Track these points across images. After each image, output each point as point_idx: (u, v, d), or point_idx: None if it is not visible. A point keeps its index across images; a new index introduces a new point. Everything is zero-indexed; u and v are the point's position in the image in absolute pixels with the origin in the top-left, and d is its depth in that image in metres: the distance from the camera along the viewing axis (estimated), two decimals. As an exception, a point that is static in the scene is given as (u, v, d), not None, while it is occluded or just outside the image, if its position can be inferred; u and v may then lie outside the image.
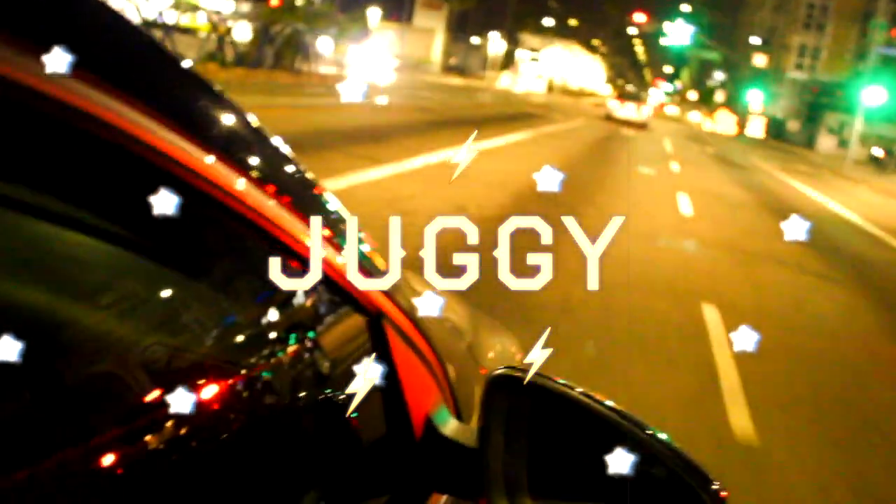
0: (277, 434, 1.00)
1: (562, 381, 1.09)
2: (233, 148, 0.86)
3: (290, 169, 1.02)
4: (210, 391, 0.84)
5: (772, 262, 9.42)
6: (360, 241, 1.11)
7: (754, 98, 68.19)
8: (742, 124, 65.14)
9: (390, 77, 34.55)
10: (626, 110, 42.98)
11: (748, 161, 30.97)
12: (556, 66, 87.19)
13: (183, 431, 0.78)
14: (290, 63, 24.80)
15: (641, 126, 40.60)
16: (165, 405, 0.74)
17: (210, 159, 0.80)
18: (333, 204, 1.10)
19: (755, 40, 73.51)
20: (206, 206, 0.82)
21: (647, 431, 1.03)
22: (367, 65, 34.85)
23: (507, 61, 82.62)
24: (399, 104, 23.02)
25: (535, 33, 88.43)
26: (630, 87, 66.90)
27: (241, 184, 0.84)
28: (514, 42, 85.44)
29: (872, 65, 46.62)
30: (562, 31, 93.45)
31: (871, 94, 41.87)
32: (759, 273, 8.78)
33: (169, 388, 0.75)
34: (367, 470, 1.16)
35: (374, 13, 63.47)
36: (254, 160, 0.90)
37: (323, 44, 30.75)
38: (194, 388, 0.78)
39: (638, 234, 9.01)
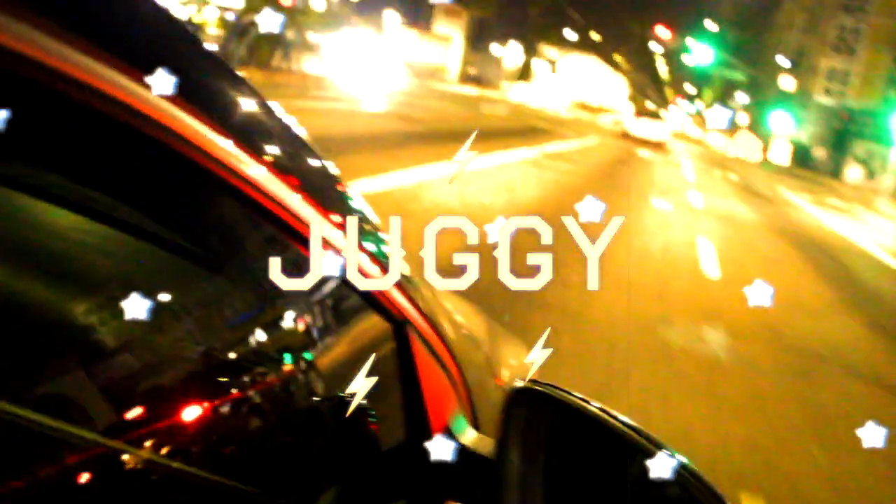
0: (296, 434, 1.00)
1: (580, 396, 1.11)
2: (254, 137, 0.86)
3: (314, 164, 1.02)
4: (226, 390, 0.85)
5: (838, 369, 6.57)
6: (382, 241, 1.12)
7: (779, 122, 65.10)
8: (766, 149, 62.15)
9: (394, 82, 32.75)
10: (643, 129, 40.45)
11: (775, 192, 28.10)
12: (575, 79, 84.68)
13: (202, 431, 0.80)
14: (265, 60, 22.23)
15: (658, 146, 38.40)
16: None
17: (229, 144, 0.80)
18: (358, 203, 1.10)
19: (782, 61, 70.40)
20: (224, 195, 0.82)
21: (666, 451, 1.03)
22: (363, 67, 32.78)
23: (525, 72, 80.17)
24: (389, 111, 20.55)
25: (555, 45, 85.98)
26: (649, 105, 64.32)
27: (261, 173, 0.84)
28: (532, 53, 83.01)
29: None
30: (584, 45, 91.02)
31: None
32: (824, 402, 5.76)
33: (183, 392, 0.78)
34: (385, 474, 1.18)
35: (391, 17, 62.25)
36: (275, 150, 0.90)
37: (325, 42, 29.69)
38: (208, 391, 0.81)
39: (641, 317, 6.24)
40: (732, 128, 78.13)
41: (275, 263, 0.91)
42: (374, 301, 1.12)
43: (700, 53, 69.10)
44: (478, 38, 78.02)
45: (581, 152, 23.99)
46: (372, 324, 1.16)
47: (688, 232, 12.14)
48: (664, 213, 14.24)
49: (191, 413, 0.78)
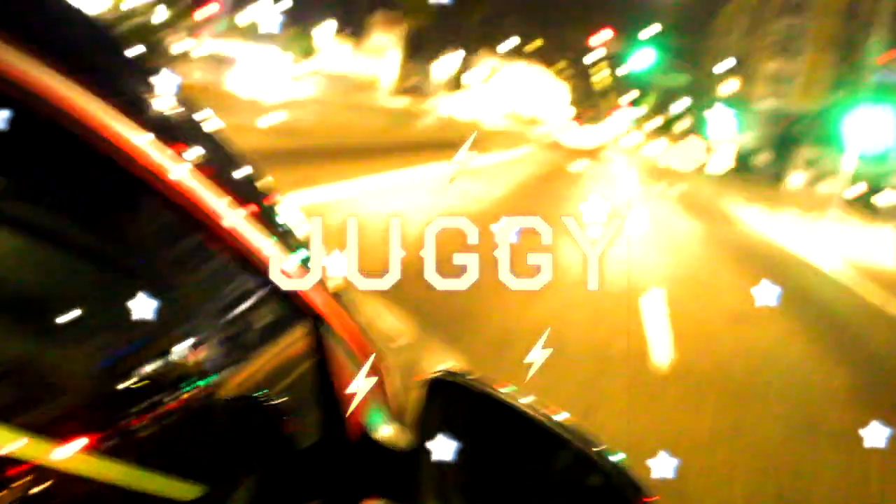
0: (209, 433, 0.99)
1: (501, 388, 1.11)
2: (172, 133, 0.86)
3: (229, 161, 1.01)
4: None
5: None
6: (303, 242, 1.13)
7: (721, 126, 63.14)
8: (707, 156, 60.05)
9: (306, 95, 30.16)
10: (575, 137, 39.27)
11: (724, 206, 25.39)
12: (513, 90, 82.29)
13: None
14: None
15: (592, 154, 36.92)
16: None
17: (147, 139, 0.79)
18: (274, 201, 1.10)
19: (724, 64, 68.53)
20: (138, 192, 0.82)
21: (585, 439, 1.06)
22: (274, 79, 30.49)
23: (457, 83, 77.54)
24: (280, 127, 17.41)
25: (494, 54, 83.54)
26: (582, 113, 62.18)
27: (178, 170, 0.83)
28: (468, 63, 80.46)
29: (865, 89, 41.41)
30: (524, 53, 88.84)
31: (859, 123, 36.33)
32: None
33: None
34: (301, 473, 1.15)
35: (328, 27, 59.48)
36: (193, 146, 0.89)
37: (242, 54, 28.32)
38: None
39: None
40: (673, 135, 76.31)
41: (197, 260, 0.93)
42: (290, 297, 1.09)
43: (641, 57, 66.98)
44: (415, 49, 75.38)
45: (502, 168, 20.98)
46: (289, 320, 1.14)
47: (624, 285, 8.89)
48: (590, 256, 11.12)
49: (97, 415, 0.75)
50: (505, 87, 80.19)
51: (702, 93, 74.08)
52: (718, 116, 64.42)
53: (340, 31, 62.87)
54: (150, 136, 0.78)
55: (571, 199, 17.45)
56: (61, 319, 0.75)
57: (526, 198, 15.75)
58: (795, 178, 53.32)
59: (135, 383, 0.82)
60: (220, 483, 0.97)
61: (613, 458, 1.03)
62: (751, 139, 62.47)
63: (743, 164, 58.64)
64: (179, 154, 0.83)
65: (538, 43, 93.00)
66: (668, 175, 38.39)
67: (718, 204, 26.82)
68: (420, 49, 76.57)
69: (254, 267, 1.00)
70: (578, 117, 45.36)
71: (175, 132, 0.85)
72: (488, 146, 26.74)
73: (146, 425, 0.83)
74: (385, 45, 68.20)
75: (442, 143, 24.62)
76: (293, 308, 1.12)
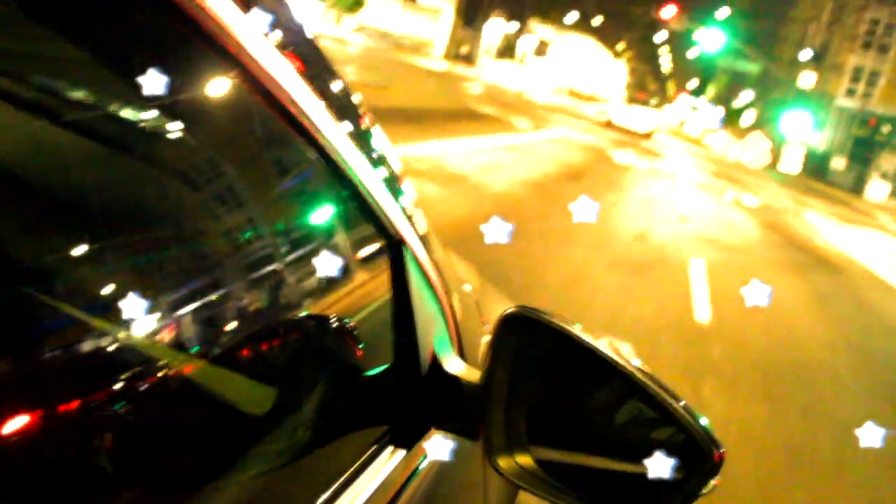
0: (280, 349, 0.99)
1: (578, 326, 1.09)
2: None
3: (329, 72, 1.02)
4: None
5: None
6: (395, 174, 1.16)
7: (794, 124, 56.70)
8: (775, 155, 53.88)
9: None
10: (629, 117, 36.83)
11: (815, 227, 19.84)
12: (569, 63, 77.03)
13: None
14: None
15: (646, 137, 35.14)
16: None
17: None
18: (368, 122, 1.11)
19: (802, 55, 61.86)
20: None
21: (659, 385, 1.03)
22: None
23: (509, 51, 72.28)
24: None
25: (553, 25, 78.10)
26: (640, 95, 57.29)
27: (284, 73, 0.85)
28: (521, 31, 75.14)
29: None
30: (584, 27, 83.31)
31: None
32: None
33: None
34: (369, 397, 1.16)
35: None
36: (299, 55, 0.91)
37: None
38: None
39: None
40: (741, 128, 70.04)
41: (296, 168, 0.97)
42: (373, 217, 1.10)
43: (708, 40, 60.62)
44: (469, 13, 70.25)
45: (523, 152, 15.82)
46: (368, 239, 1.14)
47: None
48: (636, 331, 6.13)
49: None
50: (561, 61, 75.33)
51: (774, 84, 67.52)
52: (791, 112, 58.02)
53: None
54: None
55: (613, 209, 12.29)
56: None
57: (548, 210, 10.60)
58: (875, 189, 47.23)
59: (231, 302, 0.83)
60: (290, 399, 0.98)
61: (689, 410, 1.01)
62: (827, 140, 56.20)
63: (815, 168, 52.54)
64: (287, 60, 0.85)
65: (600, 18, 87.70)
66: (738, 174, 32.72)
67: (808, 218, 21.38)
68: (474, 13, 72.02)
69: (349, 182, 1.00)
70: (631, 100, 43.13)
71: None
72: (516, 124, 21.68)
73: (243, 340, 0.85)
74: (437, 5, 64.01)
75: (462, 114, 20.02)
76: (378, 226, 1.12)
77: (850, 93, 56.34)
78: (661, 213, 13.69)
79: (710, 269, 9.56)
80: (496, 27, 70.59)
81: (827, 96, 57.90)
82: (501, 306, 1.23)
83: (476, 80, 42.55)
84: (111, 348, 0.66)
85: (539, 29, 75.89)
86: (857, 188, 48.24)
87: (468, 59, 64.14)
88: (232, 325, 0.83)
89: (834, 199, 36.06)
